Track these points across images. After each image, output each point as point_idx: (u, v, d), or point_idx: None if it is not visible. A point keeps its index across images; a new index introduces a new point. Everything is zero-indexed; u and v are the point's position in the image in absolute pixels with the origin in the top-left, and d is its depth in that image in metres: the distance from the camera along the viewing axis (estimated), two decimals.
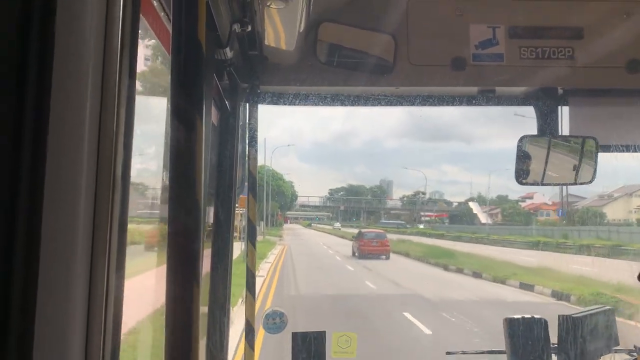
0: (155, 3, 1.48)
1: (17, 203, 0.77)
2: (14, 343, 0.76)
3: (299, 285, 21.18)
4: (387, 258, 33.03)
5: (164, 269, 0.95)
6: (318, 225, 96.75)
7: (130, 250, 0.93)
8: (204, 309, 2.46)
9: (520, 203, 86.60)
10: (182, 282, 0.89)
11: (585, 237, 43.82)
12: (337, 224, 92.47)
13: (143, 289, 1.70)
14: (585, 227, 52.72)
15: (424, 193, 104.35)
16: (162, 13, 1.53)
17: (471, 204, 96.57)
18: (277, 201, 78.28)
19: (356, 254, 33.55)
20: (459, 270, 27.45)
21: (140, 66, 1.06)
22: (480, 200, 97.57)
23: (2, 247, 0.76)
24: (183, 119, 0.93)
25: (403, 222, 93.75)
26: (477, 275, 25.39)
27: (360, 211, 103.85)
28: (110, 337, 0.84)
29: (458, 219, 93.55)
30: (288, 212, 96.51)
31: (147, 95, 1.85)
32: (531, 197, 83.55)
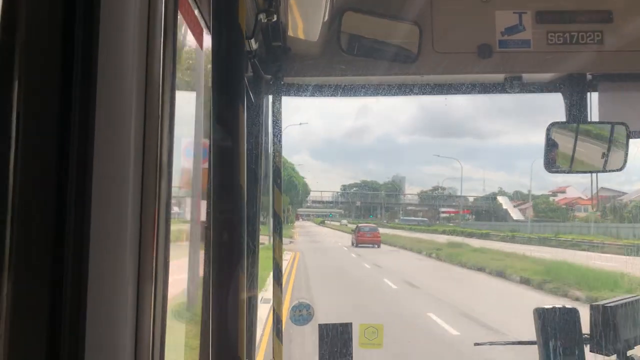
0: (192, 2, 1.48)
1: (66, 204, 0.78)
2: (67, 343, 0.77)
3: None
4: (378, 247, 39.05)
5: (202, 260, 0.95)
6: (331, 222, 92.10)
7: (173, 245, 0.94)
8: None
9: (551, 198, 78.87)
10: (228, 271, 0.89)
11: None
12: (344, 221, 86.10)
13: (185, 278, 1.70)
14: None
15: (443, 188, 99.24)
16: (197, 10, 1.53)
17: (500, 199, 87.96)
18: (287, 195, 70.95)
19: (354, 244, 40.16)
20: None
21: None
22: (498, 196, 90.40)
23: (53, 250, 0.77)
24: (225, 112, 0.94)
25: (425, 219, 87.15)
26: None
27: (378, 207, 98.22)
28: (159, 334, 0.85)
29: (486, 215, 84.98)
30: (299, 209, 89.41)
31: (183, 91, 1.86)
32: (563, 192, 76.67)
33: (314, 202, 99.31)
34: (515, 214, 79.63)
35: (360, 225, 46.42)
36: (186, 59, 1.78)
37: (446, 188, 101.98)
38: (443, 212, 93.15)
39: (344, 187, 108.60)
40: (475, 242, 38.96)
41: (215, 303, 0.91)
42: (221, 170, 0.93)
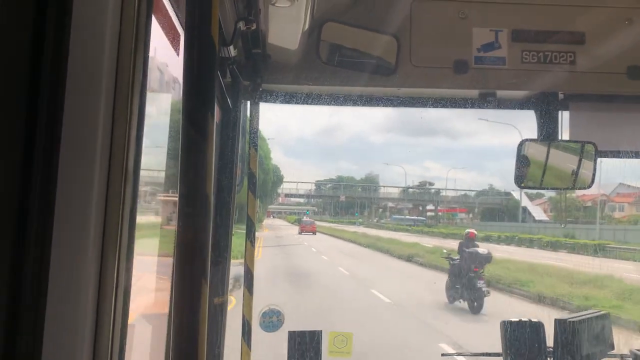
0: (166, 3, 1.48)
1: (29, 202, 0.77)
2: (24, 340, 0.76)
3: None
4: (314, 234, 47.55)
5: (170, 264, 0.94)
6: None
7: (138, 246, 0.93)
8: None
9: (568, 195, 59.78)
10: (190, 278, 0.89)
11: None
12: (306, 219, 66.76)
13: (150, 284, 1.69)
14: None
15: (431, 183, 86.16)
16: (173, 14, 1.53)
17: (516, 195, 68.52)
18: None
19: (300, 232, 48.71)
20: None
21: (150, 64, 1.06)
22: (464, 200, 75.23)
23: (14, 246, 0.76)
24: (194, 116, 0.93)
25: (423, 218, 71.67)
26: None
27: (364, 203, 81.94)
28: (119, 336, 0.84)
29: (497, 213, 67.54)
30: (270, 206, 73.93)
31: (155, 92, 1.85)
32: None
33: (287, 195, 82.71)
34: (537, 213, 64.40)
35: (303, 219, 60.00)
36: (162, 63, 1.77)
37: (434, 184, 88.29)
38: (435, 211, 78.50)
39: (319, 183, 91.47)
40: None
41: (176, 310, 0.90)
42: (188, 179, 0.93)
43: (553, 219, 59.29)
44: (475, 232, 18.21)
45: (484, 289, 14.26)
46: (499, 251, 25.94)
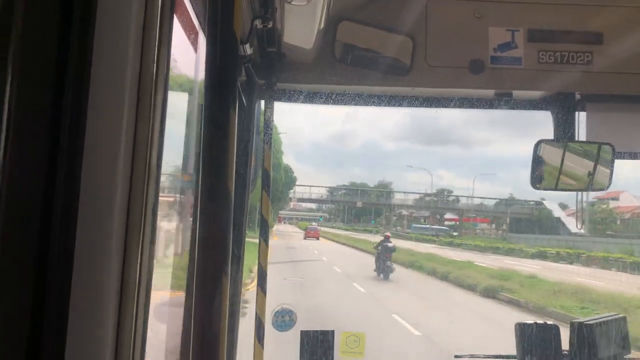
0: (188, 5, 1.49)
1: (52, 199, 0.78)
2: (49, 343, 0.77)
3: None
4: (317, 239, 49.31)
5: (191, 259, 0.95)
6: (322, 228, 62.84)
7: (160, 242, 0.93)
8: None
9: (603, 206, 57.25)
10: (211, 272, 0.89)
11: None
12: (312, 225, 61.31)
13: (171, 276, 1.70)
14: None
15: (450, 191, 79.41)
16: (192, 13, 1.55)
17: (548, 204, 62.11)
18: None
19: (305, 237, 50.54)
20: None
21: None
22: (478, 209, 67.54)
23: (37, 243, 0.77)
24: (216, 113, 0.94)
25: (446, 227, 66.21)
26: None
27: (383, 210, 74.46)
28: (141, 332, 0.85)
29: (528, 225, 60.46)
30: (281, 212, 68.06)
31: (174, 91, 1.87)
32: (616, 198, 55.93)
33: (300, 200, 74.03)
34: (573, 225, 54.88)
35: (308, 226, 59.92)
36: (181, 62, 1.78)
37: (452, 191, 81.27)
38: (449, 220, 70.17)
39: (332, 189, 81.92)
40: None
41: (197, 307, 0.91)
42: (210, 174, 0.94)
43: (588, 231, 50.62)
44: (390, 234, 27.74)
45: (392, 266, 23.30)
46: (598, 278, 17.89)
